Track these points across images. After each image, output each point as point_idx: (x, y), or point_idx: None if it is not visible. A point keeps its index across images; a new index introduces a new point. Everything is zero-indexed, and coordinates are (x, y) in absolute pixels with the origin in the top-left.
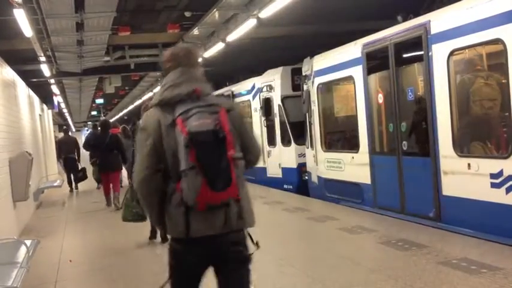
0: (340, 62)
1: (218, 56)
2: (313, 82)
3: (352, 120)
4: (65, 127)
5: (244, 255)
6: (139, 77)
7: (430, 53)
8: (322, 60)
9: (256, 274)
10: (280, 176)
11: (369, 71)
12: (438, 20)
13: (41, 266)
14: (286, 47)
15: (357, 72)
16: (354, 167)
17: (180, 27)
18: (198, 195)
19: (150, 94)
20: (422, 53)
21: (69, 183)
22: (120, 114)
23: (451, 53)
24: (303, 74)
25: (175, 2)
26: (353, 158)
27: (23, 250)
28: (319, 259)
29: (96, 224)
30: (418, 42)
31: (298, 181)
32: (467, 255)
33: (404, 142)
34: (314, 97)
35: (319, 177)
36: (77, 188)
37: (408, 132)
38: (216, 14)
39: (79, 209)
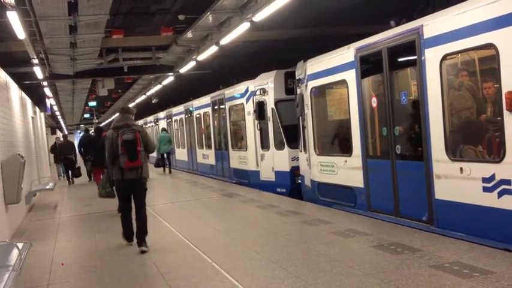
0: (334, 66)
1: (211, 59)
2: (306, 86)
3: (345, 124)
4: (62, 134)
5: (144, 188)
6: (133, 79)
7: (423, 57)
8: (315, 64)
9: (249, 277)
10: (274, 179)
11: (362, 75)
12: (431, 24)
13: (33, 269)
14: (280, 51)
15: (350, 76)
16: (347, 170)
17: (174, 30)
18: (125, 163)
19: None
20: (415, 57)
21: (68, 178)
22: (113, 117)
23: (444, 58)
24: (297, 77)
25: (168, 5)
26: (346, 161)
27: (14, 253)
28: (312, 263)
29: (88, 227)
30: (411, 47)
31: (291, 185)
32: (460, 259)
33: (397, 146)
34: (307, 101)
35: (312, 181)
36: (73, 182)
37: (401, 136)
38: (210, 18)
39: (71, 212)
